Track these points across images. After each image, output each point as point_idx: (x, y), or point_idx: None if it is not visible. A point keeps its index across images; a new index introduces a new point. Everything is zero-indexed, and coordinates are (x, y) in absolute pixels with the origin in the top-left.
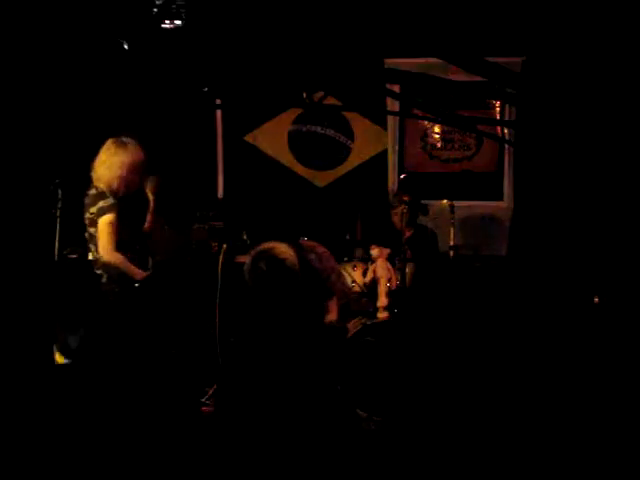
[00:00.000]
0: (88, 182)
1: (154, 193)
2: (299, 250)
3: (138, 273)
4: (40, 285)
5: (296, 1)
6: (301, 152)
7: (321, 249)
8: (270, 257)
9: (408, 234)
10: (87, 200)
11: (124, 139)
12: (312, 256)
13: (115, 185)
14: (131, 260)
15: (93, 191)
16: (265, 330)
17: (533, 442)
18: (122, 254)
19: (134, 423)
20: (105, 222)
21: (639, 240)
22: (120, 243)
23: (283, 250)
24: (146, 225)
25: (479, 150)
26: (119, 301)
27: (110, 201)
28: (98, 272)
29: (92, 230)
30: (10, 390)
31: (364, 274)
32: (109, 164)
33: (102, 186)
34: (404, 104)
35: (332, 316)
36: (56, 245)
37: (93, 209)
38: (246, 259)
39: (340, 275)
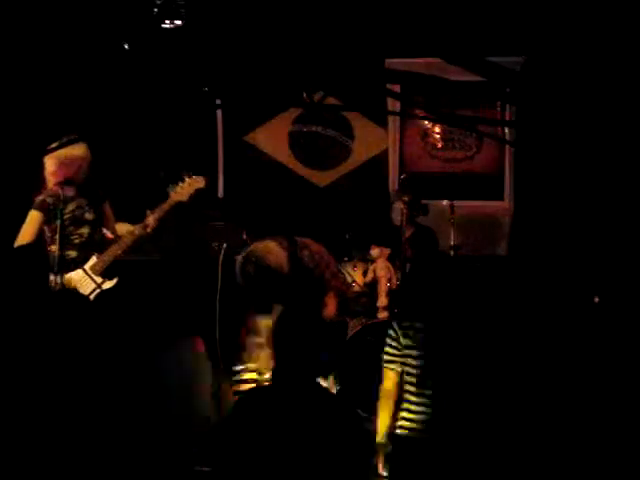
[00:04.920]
0: (88, 182)
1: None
2: (292, 247)
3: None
4: (39, 285)
5: (296, 1)
6: (301, 152)
7: (316, 247)
8: (257, 259)
9: (408, 233)
10: None
11: (61, 140)
12: (305, 253)
13: (50, 183)
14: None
15: None
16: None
17: (533, 441)
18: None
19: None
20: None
21: (639, 240)
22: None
23: (271, 250)
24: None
25: (479, 150)
26: (63, 295)
27: (39, 198)
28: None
29: None
30: (9, 392)
31: (364, 274)
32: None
33: None
34: (404, 104)
35: (329, 311)
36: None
37: None
38: (238, 258)
39: (336, 272)
